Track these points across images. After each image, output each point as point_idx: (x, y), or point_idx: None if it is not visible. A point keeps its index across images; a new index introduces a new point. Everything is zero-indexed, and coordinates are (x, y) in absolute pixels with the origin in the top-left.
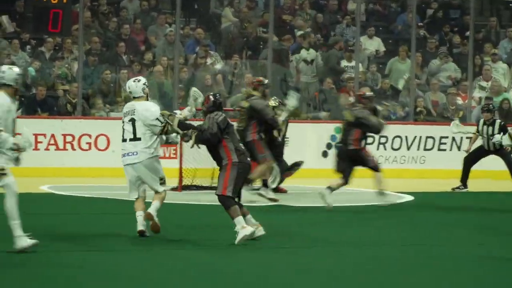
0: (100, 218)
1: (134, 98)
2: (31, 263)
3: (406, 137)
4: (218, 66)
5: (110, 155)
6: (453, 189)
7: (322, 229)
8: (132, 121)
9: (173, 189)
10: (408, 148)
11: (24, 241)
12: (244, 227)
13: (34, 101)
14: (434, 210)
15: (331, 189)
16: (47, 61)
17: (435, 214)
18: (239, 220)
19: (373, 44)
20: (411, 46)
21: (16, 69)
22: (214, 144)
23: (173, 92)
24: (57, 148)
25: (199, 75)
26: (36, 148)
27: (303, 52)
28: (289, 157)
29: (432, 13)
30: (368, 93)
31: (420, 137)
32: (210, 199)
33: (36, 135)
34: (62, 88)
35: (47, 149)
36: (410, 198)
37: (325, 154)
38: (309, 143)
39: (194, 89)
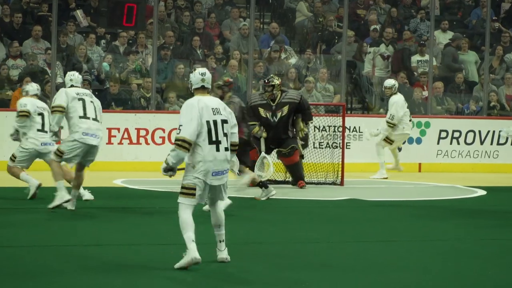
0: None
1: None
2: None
3: (480, 131)
4: (292, 60)
5: None
6: None
7: (389, 224)
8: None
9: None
10: (482, 143)
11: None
12: None
13: (108, 95)
14: (506, 204)
15: None
16: (121, 55)
17: (507, 208)
18: None
19: (447, 38)
20: (485, 40)
21: None
22: None
23: (247, 86)
24: (131, 142)
25: (273, 70)
26: (109, 142)
27: (382, 47)
28: (363, 151)
29: (509, 8)
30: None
31: (494, 131)
32: (283, 192)
33: (109, 129)
34: (136, 82)
35: (120, 143)
36: (483, 192)
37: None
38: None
39: None
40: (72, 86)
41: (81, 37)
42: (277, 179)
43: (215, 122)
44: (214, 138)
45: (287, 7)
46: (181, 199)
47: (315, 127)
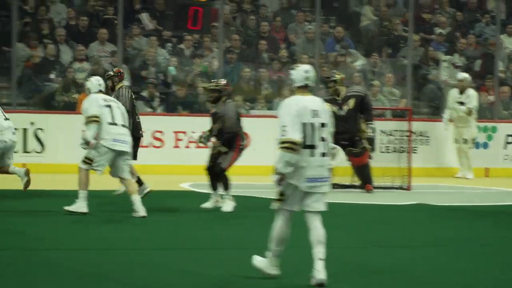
0: (240, 215)
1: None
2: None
3: None
4: (358, 64)
5: (251, 153)
6: None
7: (456, 228)
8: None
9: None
10: None
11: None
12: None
13: (174, 99)
14: None
15: None
16: (186, 59)
17: None
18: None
19: None
20: None
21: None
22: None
23: (314, 90)
24: (198, 146)
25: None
26: (176, 146)
27: (455, 57)
28: (430, 156)
29: None
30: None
31: None
32: (349, 196)
33: (176, 133)
34: (202, 85)
35: (187, 146)
36: None
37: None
38: (450, 142)
39: None
40: (100, 91)
41: (147, 40)
42: (344, 184)
43: (312, 125)
44: (309, 142)
45: (352, 11)
46: (274, 205)
47: (381, 131)
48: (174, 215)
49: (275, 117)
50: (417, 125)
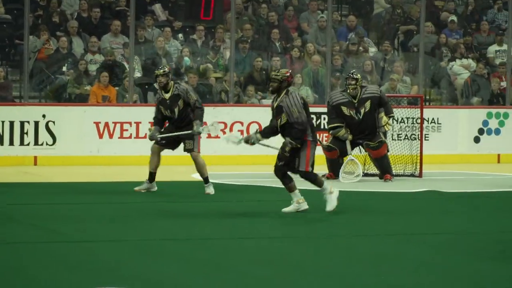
0: (248, 205)
1: None
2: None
3: None
4: (371, 52)
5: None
6: None
7: (467, 216)
8: None
9: (323, 175)
10: None
11: None
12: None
13: None
14: None
15: None
16: (199, 49)
17: None
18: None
19: None
20: None
21: None
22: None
23: (326, 80)
24: (209, 136)
25: (350, 62)
26: None
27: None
28: (442, 143)
29: None
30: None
31: None
32: (362, 185)
33: None
34: (214, 76)
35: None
36: None
37: (477, 139)
38: (461, 128)
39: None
40: None
41: (159, 31)
42: (372, 172)
43: None
44: None
45: None
46: None
47: (393, 119)
48: (185, 205)
49: None
50: (429, 112)
